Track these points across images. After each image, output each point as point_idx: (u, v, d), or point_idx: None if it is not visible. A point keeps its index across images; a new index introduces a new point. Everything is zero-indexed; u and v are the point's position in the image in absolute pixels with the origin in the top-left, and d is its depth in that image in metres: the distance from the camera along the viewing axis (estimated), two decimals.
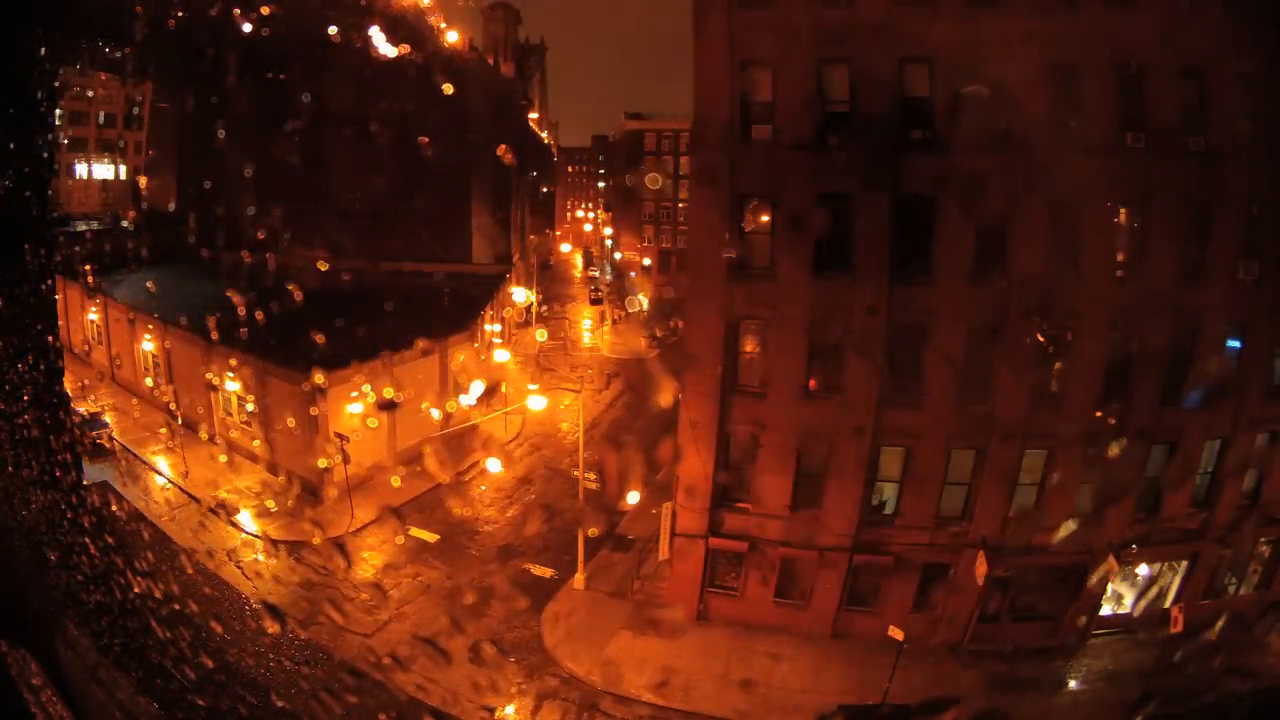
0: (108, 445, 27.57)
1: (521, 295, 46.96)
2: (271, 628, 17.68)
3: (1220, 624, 19.19)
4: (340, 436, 25.04)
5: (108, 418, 29.17)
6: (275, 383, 26.36)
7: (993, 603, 19.12)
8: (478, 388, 32.30)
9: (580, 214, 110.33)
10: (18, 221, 3.06)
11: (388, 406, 26.81)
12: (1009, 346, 17.55)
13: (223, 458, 27.09)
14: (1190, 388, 17.71)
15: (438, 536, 23.75)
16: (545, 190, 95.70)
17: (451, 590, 20.99)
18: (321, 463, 24.89)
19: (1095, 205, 17.43)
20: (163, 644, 4.35)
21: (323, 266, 35.65)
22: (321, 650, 18.02)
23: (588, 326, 54.62)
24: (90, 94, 45.67)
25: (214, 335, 27.63)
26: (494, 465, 28.17)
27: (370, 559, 22.54)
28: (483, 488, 27.56)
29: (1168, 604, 19.74)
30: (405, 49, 41.04)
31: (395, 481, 27.18)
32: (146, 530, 22.39)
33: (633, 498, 24.85)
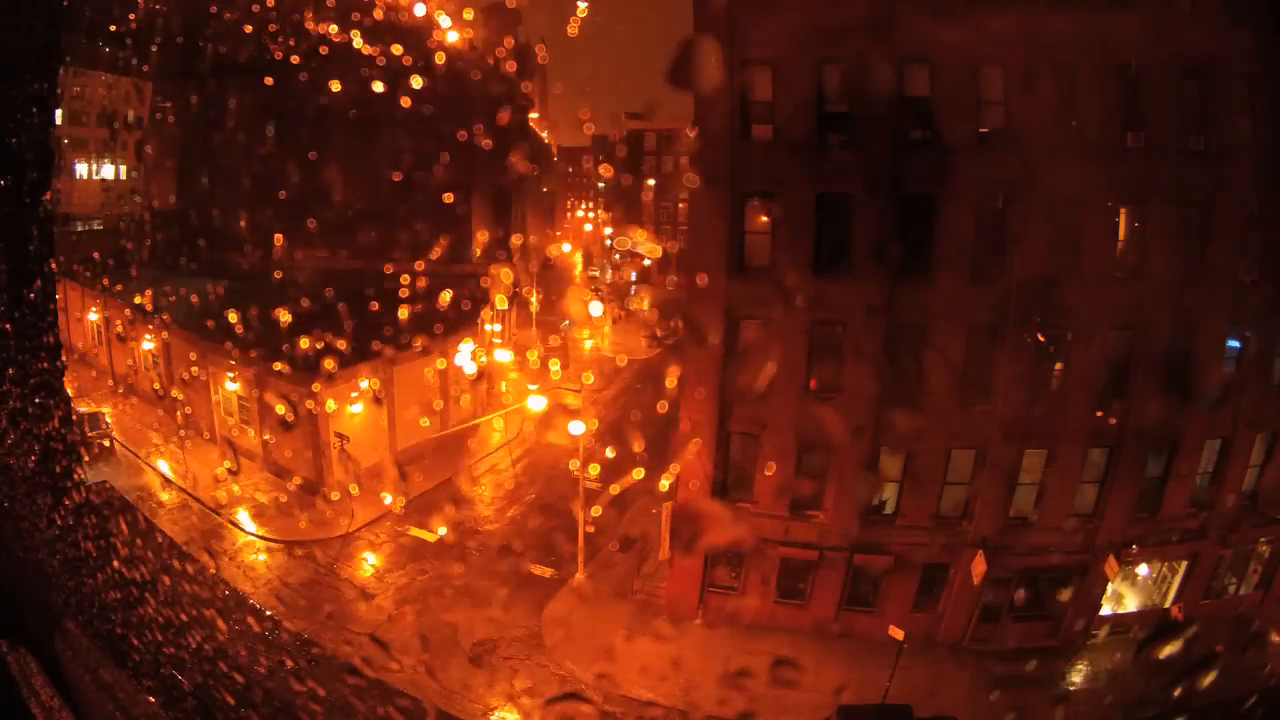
0: (108, 445, 27.55)
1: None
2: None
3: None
4: (340, 436, 25.06)
5: (108, 417, 29.16)
6: (275, 382, 26.36)
7: (993, 603, 19.13)
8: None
9: (580, 214, 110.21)
10: (18, 221, 3.07)
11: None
12: (1009, 346, 17.56)
13: (224, 465, 27.05)
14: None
15: (437, 536, 23.74)
16: (545, 190, 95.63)
17: (451, 590, 20.98)
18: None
19: (1095, 205, 17.44)
20: (163, 644, 4.35)
21: (322, 266, 35.63)
22: (321, 650, 18.02)
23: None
24: (90, 94, 45.66)
25: (214, 335, 27.62)
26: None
27: (370, 559, 22.54)
28: (483, 487, 27.58)
29: (1168, 604, 19.78)
30: (406, 49, 41.04)
31: (393, 468, 27.20)
32: (146, 530, 22.38)
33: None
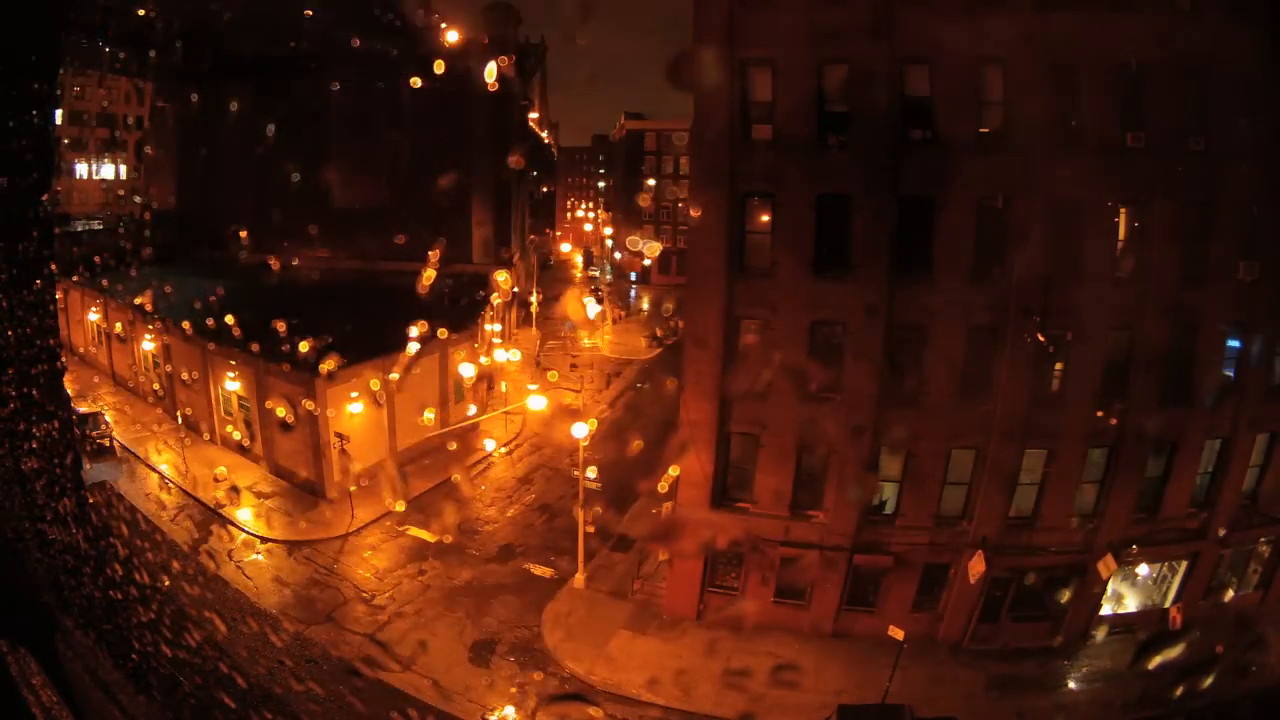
0: (108, 445, 27.57)
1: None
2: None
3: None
4: (340, 436, 25.06)
5: (108, 417, 29.17)
6: (275, 383, 26.36)
7: (993, 602, 19.13)
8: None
9: (580, 214, 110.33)
10: (18, 221, 3.06)
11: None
12: (1009, 346, 17.56)
13: (222, 468, 27.05)
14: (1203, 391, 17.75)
15: (437, 536, 23.74)
16: (545, 190, 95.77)
17: (451, 590, 21.00)
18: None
19: (1095, 205, 17.44)
20: (163, 644, 4.35)
21: (322, 267, 35.67)
22: (322, 650, 18.02)
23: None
24: (90, 94, 45.69)
25: (214, 336, 27.64)
26: None
27: (370, 559, 22.54)
28: (483, 487, 27.60)
29: (1168, 604, 19.78)
30: (405, 49, 41.05)
31: (393, 468, 27.18)
32: (147, 530, 22.39)
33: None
